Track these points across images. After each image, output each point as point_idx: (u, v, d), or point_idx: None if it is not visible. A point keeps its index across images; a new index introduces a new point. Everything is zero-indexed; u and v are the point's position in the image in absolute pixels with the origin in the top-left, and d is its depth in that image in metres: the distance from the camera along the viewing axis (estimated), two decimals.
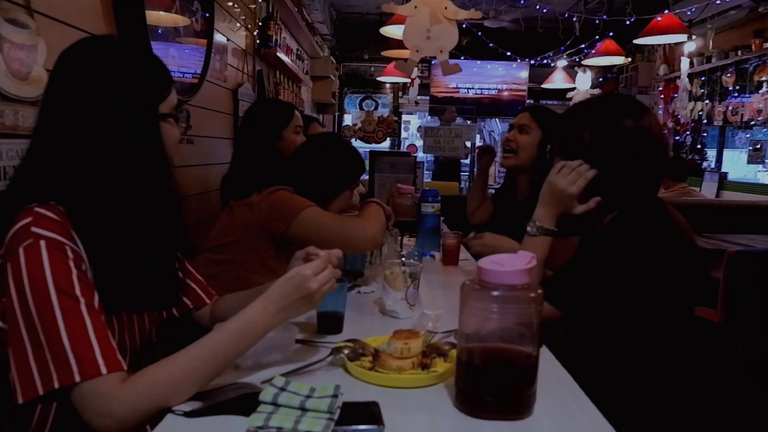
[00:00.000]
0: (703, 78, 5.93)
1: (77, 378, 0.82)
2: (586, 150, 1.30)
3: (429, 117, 8.46)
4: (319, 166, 1.78)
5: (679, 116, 6.21)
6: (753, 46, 5.07)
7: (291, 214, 1.58)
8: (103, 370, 0.83)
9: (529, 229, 1.40)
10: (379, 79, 7.07)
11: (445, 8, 2.32)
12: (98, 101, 0.94)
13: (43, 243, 0.86)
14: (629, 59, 6.68)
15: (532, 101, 8.19)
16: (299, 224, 1.57)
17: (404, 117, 9.06)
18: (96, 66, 0.95)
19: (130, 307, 1.00)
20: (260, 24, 3.76)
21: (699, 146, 6.34)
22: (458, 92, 8.07)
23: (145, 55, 1.04)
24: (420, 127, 8.49)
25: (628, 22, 5.41)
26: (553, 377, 1.07)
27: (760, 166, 5.46)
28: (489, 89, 8.08)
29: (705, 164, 6.21)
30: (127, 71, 0.97)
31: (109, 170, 0.93)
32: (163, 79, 1.03)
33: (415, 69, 6.25)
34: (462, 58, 7.27)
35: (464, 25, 6.23)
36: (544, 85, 6.94)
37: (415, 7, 2.32)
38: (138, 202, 0.96)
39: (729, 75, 5.47)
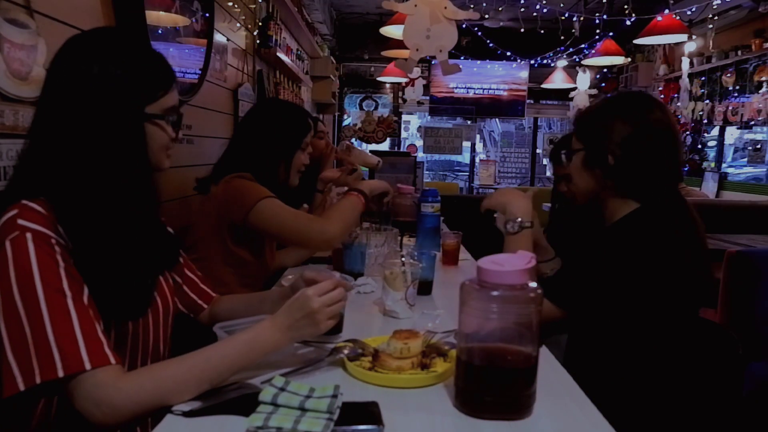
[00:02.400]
0: (703, 78, 5.93)
1: (60, 373, 0.81)
2: (619, 142, 1.27)
3: (429, 117, 8.45)
4: (261, 135, 1.73)
5: (679, 116, 6.21)
6: (753, 46, 5.07)
7: (249, 203, 1.56)
8: (87, 365, 0.82)
9: (510, 228, 1.43)
10: (379, 79, 7.07)
11: (445, 8, 2.32)
12: (83, 95, 0.92)
13: (29, 235, 0.85)
14: (629, 59, 6.67)
15: (532, 101, 8.19)
16: (257, 214, 1.55)
17: (404, 117, 9.05)
18: (87, 60, 0.93)
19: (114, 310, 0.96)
20: (260, 24, 3.76)
21: (699, 146, 6.34)
22: (458, 92, 8.06)
23: (142, 52, 1.01)
24: (420, 127, 8.49)
25: (628, 22, 5.40)
26: (553, 377, 1.07)
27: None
28: (489, 89, 8.07)
29: (705, 164, 6.21)
30: (117, 67, 0.94)
31: (89, 167, 0.92)
32: (157, 79, 1.00)
33: (416, 69, 6.25)
34: (462, 58, 7.27)
35: (464, 25, 6.23)
36: (544, 85, 6.93)
37: (415, 5, 2.32)
38: (113, 202, 0.94)
39: (729, 75, 5.47)
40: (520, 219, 1.42)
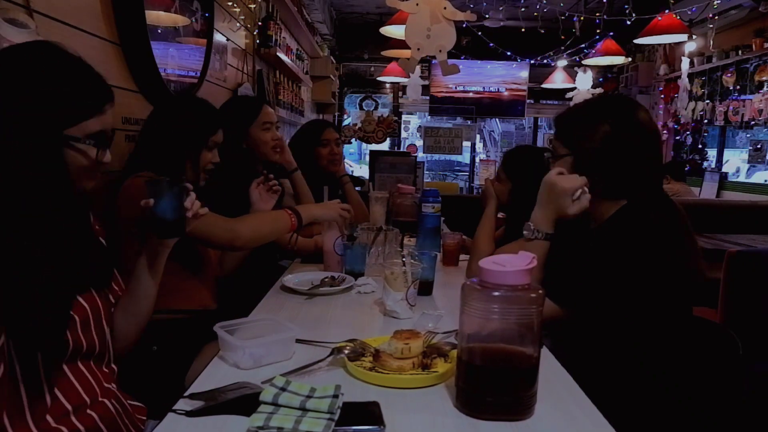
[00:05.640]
0: (703, 78, 5.93)
1: None
2: (603, 143, 1.29)
3: (429, 117, 8.45)
4: (165, 133, 1.61)
5: (680, 116, 6.21)
6: (753, 46, 5.07)
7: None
8: None
9: (525, 233, 1.35)
10: (379, 79, 7.07)
11: (444, 8, 2.33)
12: (3, 107, 0.90)
13: None
14: (629, 59, 6.67)
15: (532, 101, 8.19)
16: None
17: (404, 117, 9.05)
18: (14, 73, 0.92)
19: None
20: (260, 24, 3.76)
21: (699, 146, 6.34)
22: (458, 92, 8.06)
23: (73, 72, 0.97)
24: (420, 127, 8.49)
25: (628, 22, 5.40)
26: (553, 378, 1.07)
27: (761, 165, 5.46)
28: (489, 89, 8.07)
29: (705, 164, 6.21)
30: (40, 87, 0.92)
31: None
32: (83, 103, 0.96)
33: (417, 68, 6.25)
34: (462, 58, 7.27)
35: (464, 25, 6.22)
36: (544, 85, 6.93)
37: (417, 4, 2.32)
38: (17, 222, 0.88)
39: (729, 75, 5.47)
40: (534, 226, 1.35)
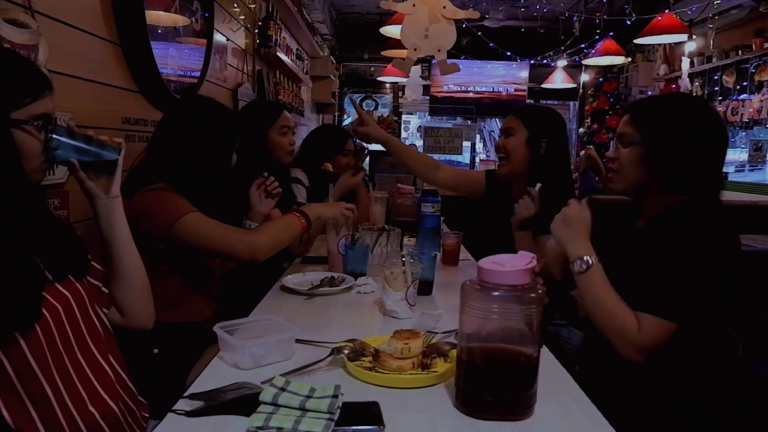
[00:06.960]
0: (703, 78, 5.93)
1: None
2: (685, 135, 1.28)
3: (429, 117, 8.45)
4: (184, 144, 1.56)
5: None
6: (754, 46, 5.06)
7: (170, 219, 1.45)
8: None
9: (577, 269, 1.27)
10: (379, 79, 7.07)
11: (444, 7, 2.32)
12: None
13: None
14: (629, 59, 6.67)
15: (532, 101, 8.19)
16: (178, 229, 1.45)
17: (404, 117, 9.05)
18: None
19: None
20: (260, 24, 3.76)
21: None
22: (458, 92, 8.06)
23: (7, 60, 0.99)
24: (420, 127, 8.49)
25: (628, 22, 5.40)
26: (553, 378, 1.07)
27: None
28: (489, 89, 8.06)
29: None
30: None
31: None
32: (22, 86, 0.97)
33: (417, 69, 6.25)
34: (462, 57, 7.27)
35: (464, 25, 6.22)
36: (544, 85, 6.93)
37: (414, 5, 2.32)
38: None
39: (729, 75, 5.47)
40: (586, 257, 1.27)
